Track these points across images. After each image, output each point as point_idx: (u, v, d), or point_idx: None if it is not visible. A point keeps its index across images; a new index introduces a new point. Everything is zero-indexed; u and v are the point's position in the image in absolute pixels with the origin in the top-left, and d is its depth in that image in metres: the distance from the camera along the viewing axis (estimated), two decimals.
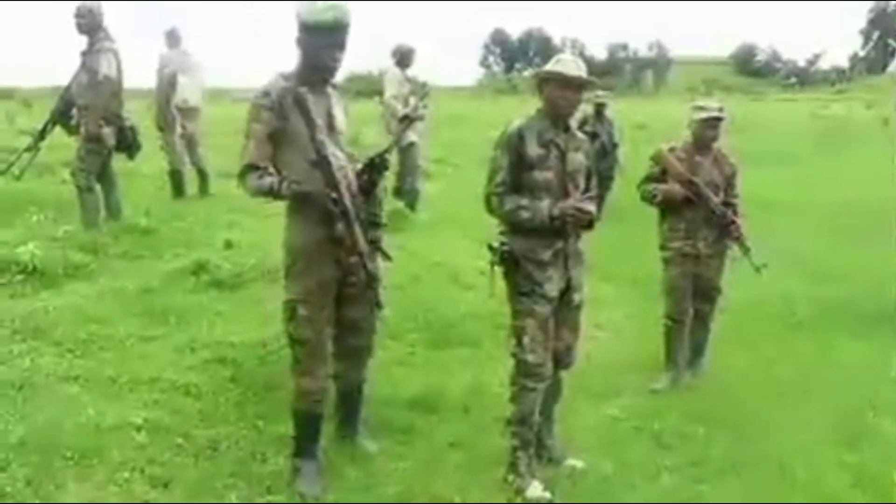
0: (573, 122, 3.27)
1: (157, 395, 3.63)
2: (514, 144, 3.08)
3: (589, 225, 3.13)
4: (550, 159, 3.09)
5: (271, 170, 2.94)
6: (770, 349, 4.75)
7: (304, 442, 3.13)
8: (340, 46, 2.95)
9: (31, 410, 3.34)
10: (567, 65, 3.09)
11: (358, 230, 2.90)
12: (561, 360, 3.26)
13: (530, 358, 3.11)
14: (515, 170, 3.09)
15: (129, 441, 3.21)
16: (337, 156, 2.95)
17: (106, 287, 4.91)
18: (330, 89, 3.07)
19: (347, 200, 2.87)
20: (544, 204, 3.05)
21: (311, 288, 2.98)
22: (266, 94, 2.93)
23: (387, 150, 3.13)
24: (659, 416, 3.85)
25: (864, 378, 4.37)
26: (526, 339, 3.11)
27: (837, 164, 13.13)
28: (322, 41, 2.91)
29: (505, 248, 3.11)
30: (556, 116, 3.13)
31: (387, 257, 3.13)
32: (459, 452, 3.39)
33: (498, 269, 3.15)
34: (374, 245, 3.07)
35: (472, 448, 3.40)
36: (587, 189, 3.23)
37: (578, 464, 3.32)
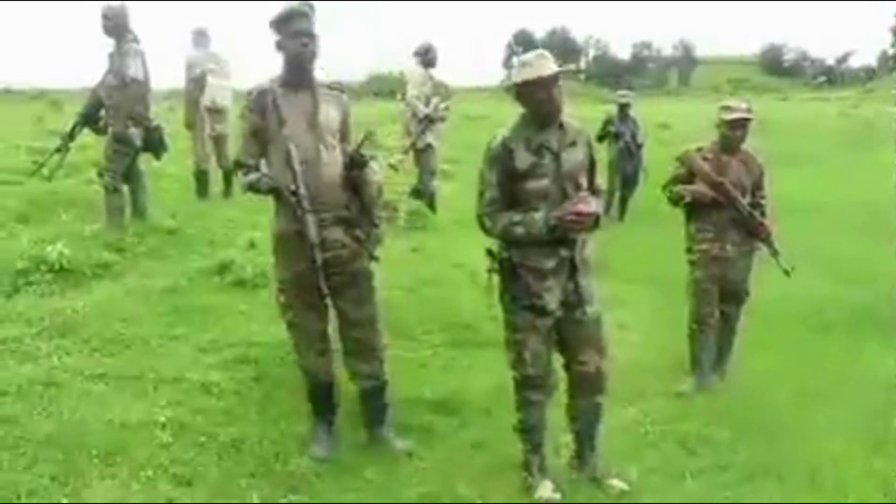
0: (566, 118, 3.01)
1: (180, 394, 3.66)
2: (501, 159, 2.90)
3: (594, 225, 2.92)
4: (544, 165, 2.90)
5: (258, 166, 3.16)
6: (797, 352, 4.67)
7: (316, 407, 3.38)
8: (306, 34, 3.10)
9: (57, 408, 3.40)
10: (536, 65, 2.86)
11: (311, 223, 3.02)
12: (590, 385, 3.06)
13: (533, 373, 3.00)
14: (506, 184, 2.91)
15: (153, 439, 3.25)
16: (308, 150, 3.06)
17: (132, 286, 4.97)
18: (322, 88, 3.18)
19: (304, 194, 3.00)
20: (540, 215, 2.87)
21: (284, 277, 3.22)
22: (249, 94, 3.18)
23: (361, 143, 3.16)
24: (684, 419, 3.80)
25: (893, 382, 4.29)
26: (527, 354, 2.98)
27: (867, 163, 12.89)
28: (285, 31, 3.09)
29: (504, 254, 2.97)
30: (543, 118, 2.93)
31: (372, 258, 3.22)
32: (481, 455, 3.37)
33: (495, 277, 3.00)
34: (358, 242, 3.17)
35: (494, 450, 3.37)
36: (591, 184, 3.04)
37: (622, 486, 3.11)
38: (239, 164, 3.18)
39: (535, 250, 2.93)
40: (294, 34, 3.08)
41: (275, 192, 3.10)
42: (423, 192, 7.54)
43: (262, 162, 3.18)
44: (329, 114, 3.16)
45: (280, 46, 3.13)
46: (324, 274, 3.08)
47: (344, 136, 3.23)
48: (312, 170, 3.06)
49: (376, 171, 3.21)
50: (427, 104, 7.21)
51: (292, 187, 3.01)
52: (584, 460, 3.21)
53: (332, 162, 3.12)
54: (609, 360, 3.11)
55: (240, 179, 3.20)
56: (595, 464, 3.19)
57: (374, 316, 3.28)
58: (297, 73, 3.14)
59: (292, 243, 3.11)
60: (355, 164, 3.11)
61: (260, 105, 3.11)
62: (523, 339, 2.99)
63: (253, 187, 3.13)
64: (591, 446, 3.20)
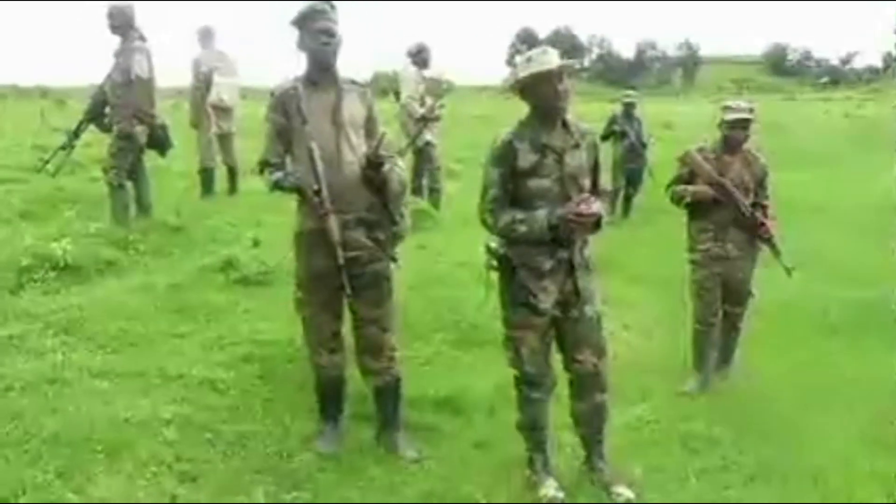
0: (572, 119, 2.99)
1: (185, 391, 3.67)
2: (505, 157, 2.90)
3: (596, 226, 2.89)
4: (547, 165, 2.89)
5: (284, 165, 3.17)
6: (802, 353, 4.66)
7: (323, 405, 3.40)
8: (328, 32, 3.11)
9: (63, 404, 3.40)
10: (541, 60, 2.85)
11: (333, 223, 3.03)
12: (588, 384, 3.04)
13: (531, 370, 3.01)
14: (509, 182, 2.91)
15: (158, 436, 3.25)
16: (331, 148, 3.07)
17: (136, 283, 4.99)
18: (346, 84, 3.19)
19: (326, 194, 3.01)
20: (541, 213, 2.85)
21: (303, 274, 3.23)
22: (271, 94, 3.18)
23: (378, 144, 3.12)
24: (688, 419, 3.80)
25: None
26: (524, 351, 2.99)
27: (871, 164, 12.89)
28: (307, 30, 3.11)
29: (502, 251, 2.97)
30: (548, 114, 2.91)
31: (391, 259, 3.21)
32: (485, 453, 3.37)
33: (494, 273, 3.00)
34: (378, 244, 3.16)
35: (498, 449, 3.37)
36: (594, 185, 3.03)
37: (630, 494, 3.04)
38: (265, 163, 3.18)
39: (534, 250, 2.92)
40: (316, 32, 3.09)
41: (298, 190, 3.10)
42: (418, 191, 7.55)
43: (289, 159, 3.19)
44: (353, 111, 3.17)
45: (302, 45, 3.13)
46: (349, 272, 3.08)
47: (369, 132, 3.22)
48: (335, 169, 3.07)
49: (401, 167, 3.20)
50: (422, 104, 7.28)
51: (315, 187, 3.02)
52: (592, 466, 3.18)
53: (356, 160, 3.12)
54: (607, 360, 3.10)
55: (264, 178, 3.20)
56: (603, 469, 3.16)
57: (390, 315, 3.29)
58: (320, 72, 3.14)
59: (314, 242, 3.12)
60: (371, 165, 3.09)
61: (283, 105, 3.12)
62: (521, 337, 3.01)
63: (278, 185, 3.14)
64: (599, 452, 3.17)
